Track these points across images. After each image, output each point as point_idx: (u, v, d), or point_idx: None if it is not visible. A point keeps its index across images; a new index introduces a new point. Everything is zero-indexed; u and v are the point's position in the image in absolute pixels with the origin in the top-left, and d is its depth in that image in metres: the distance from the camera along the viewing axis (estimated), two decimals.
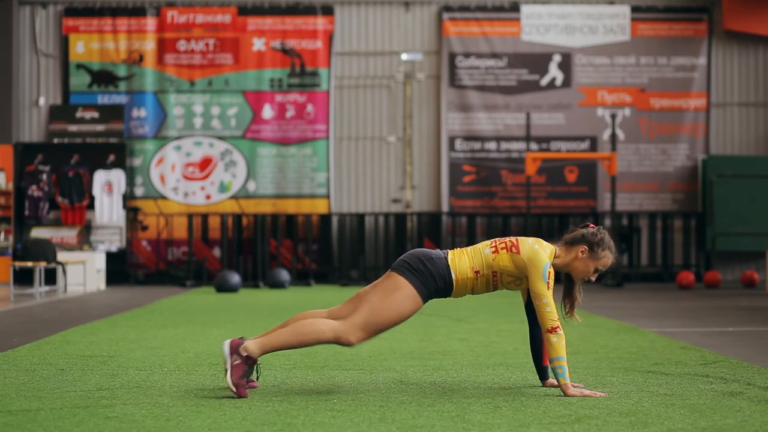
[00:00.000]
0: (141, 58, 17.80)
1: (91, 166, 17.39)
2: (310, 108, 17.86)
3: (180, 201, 17.79)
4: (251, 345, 4.65)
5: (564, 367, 4.72)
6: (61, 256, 14.61)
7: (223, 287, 14.55)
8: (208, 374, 5.50)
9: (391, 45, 18.14)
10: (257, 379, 4.86)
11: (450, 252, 4.89)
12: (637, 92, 18.14)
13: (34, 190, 17.21)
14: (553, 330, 4.73)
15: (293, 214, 17.58)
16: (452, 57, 18.01)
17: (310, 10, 17.96)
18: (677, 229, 17.97)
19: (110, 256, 16.83)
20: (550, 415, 4.19)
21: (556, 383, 4.88)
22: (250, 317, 9.83)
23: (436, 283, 4.80)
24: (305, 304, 11.61)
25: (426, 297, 4.81)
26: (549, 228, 17.50)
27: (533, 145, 17.85)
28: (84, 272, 14.63)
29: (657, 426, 3.95)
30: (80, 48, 17.81)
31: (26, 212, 17.20)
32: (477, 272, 4.84)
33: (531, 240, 4.88)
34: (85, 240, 17.13)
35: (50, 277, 14.80)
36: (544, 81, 18.09)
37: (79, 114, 17.72)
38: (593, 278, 4.96)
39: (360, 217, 17.39)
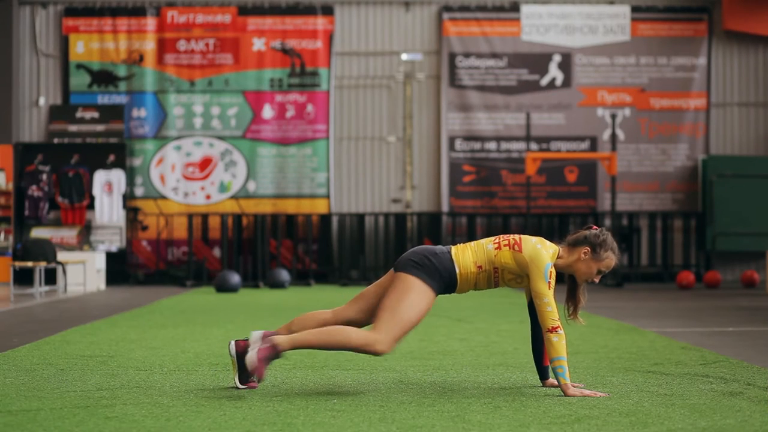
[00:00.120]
0: (141, 58, 17.80)
1: (91, 166, 17.39)
2: (310, 108, 17.86)
3: (180, 201, 17.79)
4: (281, 339, 4.66)
5: (564, 367, 4.72)
6: (61, 256, 14.61)
7: (223, 287, 14.55)
8: (208, 374, 5.50)
9: (391, 45, 18.14)
10: (258, 381, 4.88)
11: (453, 247, 4.91)
12: (637, 92, 18.14)
13: (34, 190, 17.21)
14: (554, 329, 4.73)
15: (293, 214, 17.58)
16: (452, 57, 18.01)
17: (310, 10, 17.97)
18: (677, 229, 17.97)
19: (110, 256, 16.83)
20: (550, 415, 4.19)
21: (556, 383, 4.89)
22: (250, 317, 9.83)
23: (442, 277, 4.81)
24: (305, 304, 11.61)
25: (437, 291, 4.82)
26: (549, 228, 17.50)
27: (533, 145, 17.85)
28: (84, 272, 14.63)
29: (657, 426, 3.95)
30: (80, 48, 17.82)
31: (26, 212, 17.20)
32: (480, 267, 4.85)
33: (534, 239, 4.89)
34: (85, 240, 17.13)
35: (50, 277, 14.80)
36: (544, 81, 18.09)
37: (79, 114, 17.73)
38: (596, 280, 4.96)
39: (360, 217, 17.40)
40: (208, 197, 17.82)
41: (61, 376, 5.40)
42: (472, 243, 4.94)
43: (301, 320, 4.98)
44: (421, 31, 18.16)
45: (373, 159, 18.13)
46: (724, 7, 17.99)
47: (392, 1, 18.13)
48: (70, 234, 17.13)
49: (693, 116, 18.14)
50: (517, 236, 4.90)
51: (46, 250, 13.49)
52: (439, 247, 4.92)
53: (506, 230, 17.45)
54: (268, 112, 17.85)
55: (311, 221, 17.30)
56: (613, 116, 16.86)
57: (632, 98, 18.14)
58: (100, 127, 17.69)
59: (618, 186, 17.63)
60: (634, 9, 18.17)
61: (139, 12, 17.85)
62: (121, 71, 17.79)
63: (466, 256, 4.86)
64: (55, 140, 17.65)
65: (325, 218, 17.55)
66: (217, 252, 17.56)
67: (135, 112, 17.78)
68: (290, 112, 17.86)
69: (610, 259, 4.92)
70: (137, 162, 17.76)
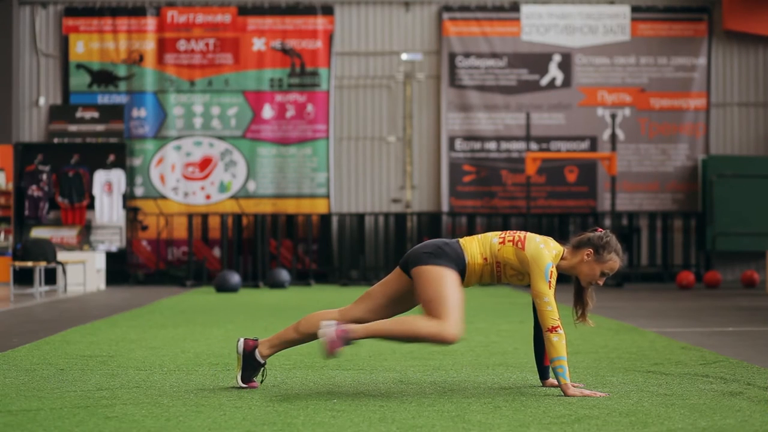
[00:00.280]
0: (141, 58, 17.80)
1: (91, 166, 17.39)
2: (310, 108, 17.86)
3: (180, 201, 17.79)
4: (356, 326, 4.61)
5: (564, 367, 4.72)
6: (61, 256, 14.61)
7: (223, 287, 14.55)
8: (208, 374, 5.50)
9: (391, 45, 18.14)
10: (261, 381, 4.89)
11: (461, 239, 4.90)
12: (637, 92, 18.14)
13: (34, 190, 17.21)
14: (554, 329, 4.73)
15: (293, 214, 17.58)
16: (452, 57, 18.01)
17: (310, 10, 17.96)
18: (677, 229, 17.97)
19: (110, 256, 16.83)
20: (550, 415, 4.19)
21: (556, 383, 4.88)
22: (250, 317, 9.83)
23: (457, 264, 4.77)
24: (305, 305, 11.61)
25: (459, 274, 4.78)
26: (549, 228, 17.49)
27: (533, 145, 17.85)
28: (84, 272, 14.63)
29: (657, 426, 3.95)
30: (80, 48, 17.82)
31: (26, 212, 17.20)
32: (485, 259, 4.83)
33: (539, 238, 4.86)
34: (85, 240, 17.13)
35: (50, 277, 14.80)
36: (544, 81, 18.09)
37: (79, 114, 17.73)
38: (600, 282, 4.95)
39: (360, 217, 17.40)
40: (208, 197, 17.82)
41: (61, 376, 5.40)
42: (479, 236, 4.93)
43: (308, 320, 4.95)
44: (421, 31, 18.17)
45: (373, 159, 18.13)
46: (724, 7, 17.99)
47: (392, 1, 18.13)
48: (70, 234, 17.14)
49: (693, 116, 18.14)
50: (522, 233, 4.88)
51: (46, 250, 13.49)
52: (447, 239, 4.94)
53: (507, 230, 17.42)
54: (268, 112, 17.86)
55: (311, 221, 17.30)
56: (613, 116, 16.87)
57: (632, 98, 18.14)
58: (100, 127, 17.69)
59: (618, 186, 17.63)
60: (634, 9, 18.17)
61: (139, 12, 17.85)
62: (121, 71, 17.79)
63: (474, 246, 4.84)
64: (55, 140, 17.66)
65: (325, 218, 17.55)
66: (217, 252, 17.56)
67: (135, 112, 17.79)
68: (290, 112, 17.86)
69: (614, 261, 4.91)
70: (137, 162, 17.77)
